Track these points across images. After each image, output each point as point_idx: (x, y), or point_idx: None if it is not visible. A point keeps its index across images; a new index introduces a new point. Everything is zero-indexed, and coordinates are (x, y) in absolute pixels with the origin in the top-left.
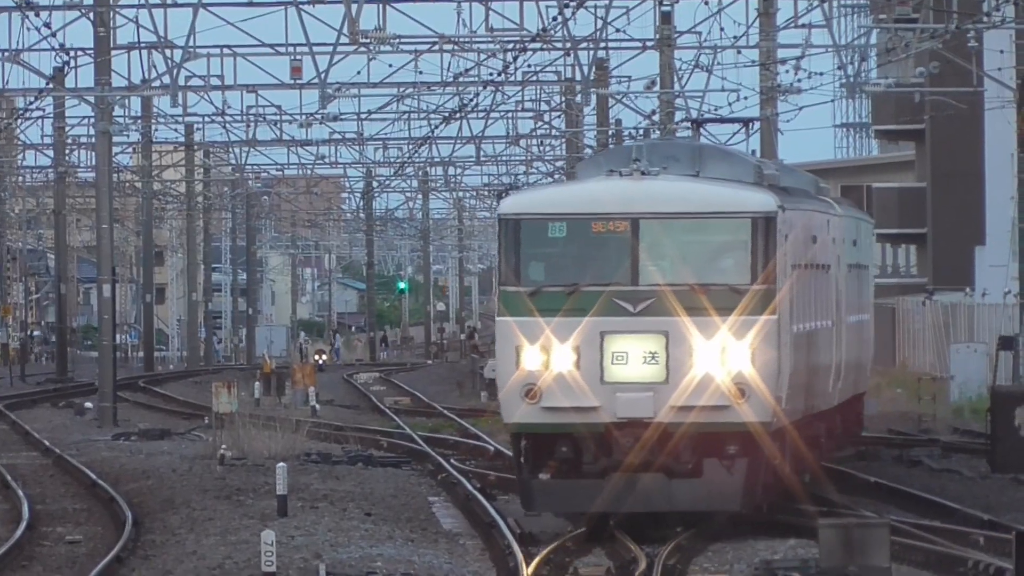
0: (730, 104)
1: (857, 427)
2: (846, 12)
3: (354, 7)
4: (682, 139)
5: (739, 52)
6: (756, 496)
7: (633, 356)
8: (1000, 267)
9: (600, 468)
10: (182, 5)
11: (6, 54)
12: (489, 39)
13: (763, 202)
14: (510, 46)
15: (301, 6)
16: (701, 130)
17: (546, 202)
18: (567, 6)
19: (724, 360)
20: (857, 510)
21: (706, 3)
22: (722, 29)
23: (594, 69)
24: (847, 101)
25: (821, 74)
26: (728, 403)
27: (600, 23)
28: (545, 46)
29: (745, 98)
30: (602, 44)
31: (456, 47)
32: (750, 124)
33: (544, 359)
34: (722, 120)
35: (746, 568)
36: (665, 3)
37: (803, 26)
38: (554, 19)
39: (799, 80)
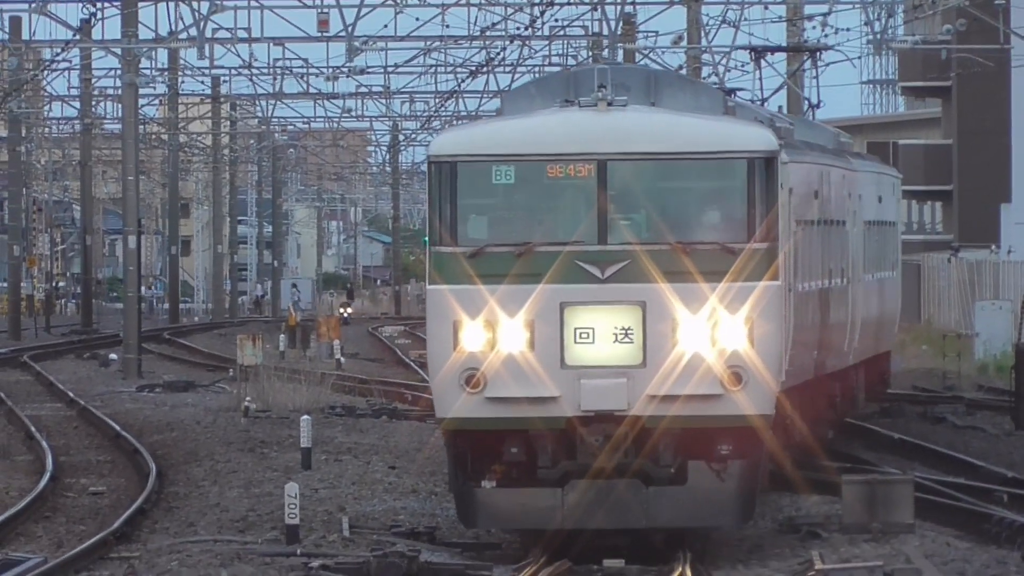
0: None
1: (844, 408)
2: None
3: None
4: (630, 64)
5: (766, 8)
6: (753, 506)
7: (601, 333)
8: None
9: (560, 474)
10: None
11: (33, 5)
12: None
13: (761, 139)
14: (537, 0)
15: None
16: (762, 61)
17: (489, 140)
18: None
19: (715, 338)
20: (881, 466)
21: None
22: None
23: (621, 24)
24: (874, 58)
25: (848, 30)
26: (720, 391)
27: None
28: (572, 1)
29: (772, 53)
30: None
31: (483, 1)
32: (818, 53)
33: (489, 338)
34: (785, 49)
35: (770, 524)
36: None
37: None
38: None
39: (826, 36)
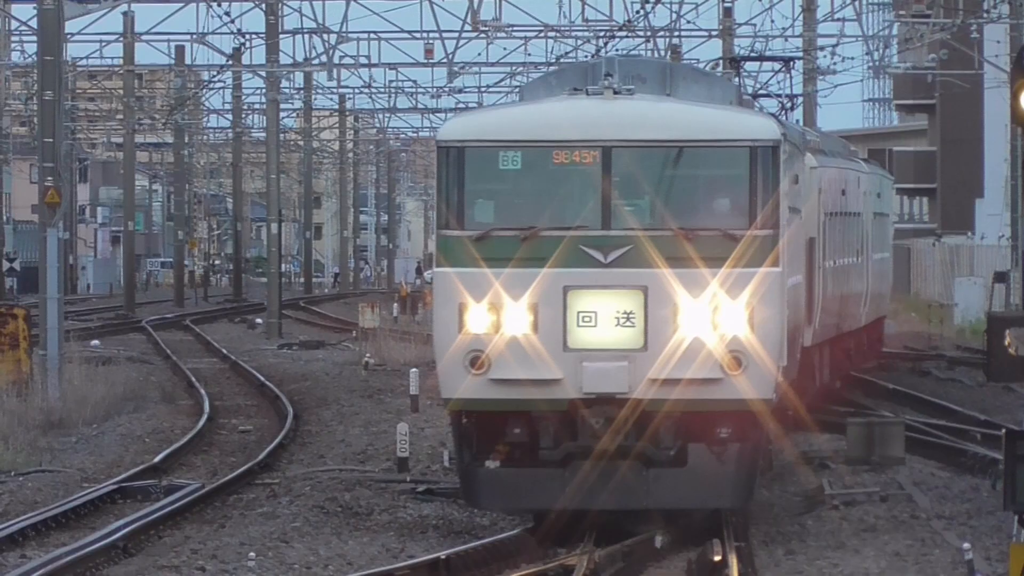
0: (779, 83)
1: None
2: (873, 8)
3: (476, 0)
4: (648, 57)
5: (786, 40)
6: (751, 489)
7: (604, 317)
8: (995, 215)
9: (562, 455)
10: None
11: (194, 37)
12: (585, 28)
13: (764, 128)
14: (601, 33)
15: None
16: (741, 69)
17: (497, 126)
18: (648, 1)
19: (716, 322)
20: (878, 411)
21: (760, 0)
22: (772, 21)
23: (670, 54)
24: (873, 80)
25: (852, 59)
26: (721, 375)
27: (675, 16)
28: (630, 34)
29: (791, 76)
30: (676, 33)
31: (558, 34)
32: (791, 63)
33: (493, 320)
34: (762, 58)
35: (788, 457)
36: (727, 1)
37: (838, 20)
38: (637, 12)
39: (834, 63)
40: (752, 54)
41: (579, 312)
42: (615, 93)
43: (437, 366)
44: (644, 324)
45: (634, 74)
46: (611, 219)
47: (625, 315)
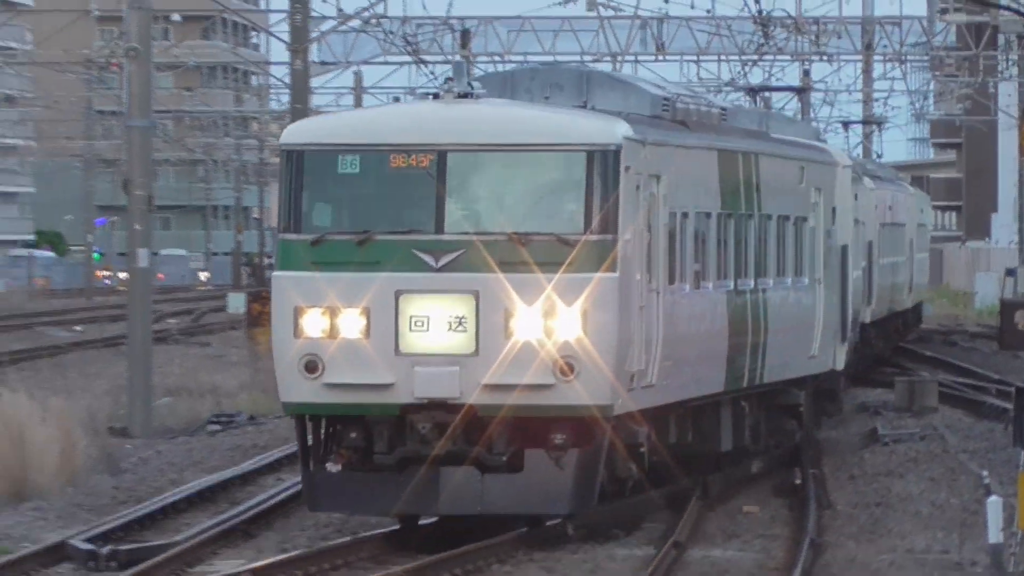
0: (846, 130)
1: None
2: (915, 69)
3: (618, 66)
4: (569, 66)
5: (850, 93)
6: (592, 496)
7: (435, 322)
8: (1007, 226)
9: (396, 460)
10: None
11: (407, 90)
12: (699, 84)
13: (603, 131)
14: (711, 89)
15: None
16: (758, 97)
17: (337, 130)
18: (746, 64)
19: (549, 328)
20: (918, 372)
21: (830, 63)
22: (840, 80)
23: (763, 104)
24: (915, 124)
25: (899, 107)
26: (554, 381)
27: (767, 75)
28: (734, 89)
29: (852, 123)
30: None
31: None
32: (803, 92)
33: (328, 325)
34: (776, 88)
35: (850, 407)
36: (806, 65)
37: (889, 78)
38: (739, 72)
39: (886, 111)
40: (768, 84)
41: (411, 316)
42: (458, 97)
43: (276, 370)
44: (476, 329)
45: (552, 82)
46: (444, 223)
47: (457, 320)
